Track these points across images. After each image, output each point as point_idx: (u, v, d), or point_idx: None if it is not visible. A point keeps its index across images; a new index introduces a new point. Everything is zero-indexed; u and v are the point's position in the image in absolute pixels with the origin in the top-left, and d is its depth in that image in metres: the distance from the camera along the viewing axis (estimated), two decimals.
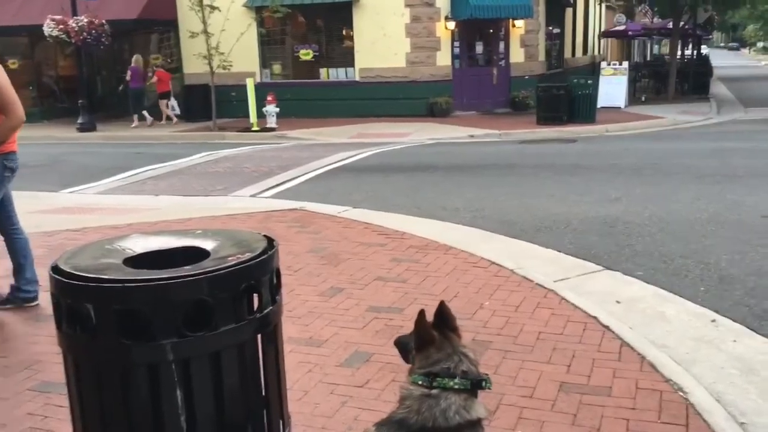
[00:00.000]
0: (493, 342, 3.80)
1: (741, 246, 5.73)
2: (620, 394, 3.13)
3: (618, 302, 4.52)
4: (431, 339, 2.21)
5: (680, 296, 4.61)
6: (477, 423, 2.19)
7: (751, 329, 4.04)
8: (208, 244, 2.29)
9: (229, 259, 2.12)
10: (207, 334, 2.02)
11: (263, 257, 2.16)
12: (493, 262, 5.29)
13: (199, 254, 2.22)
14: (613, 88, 19.64)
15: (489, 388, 2.25)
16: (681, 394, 3.12)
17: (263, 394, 2.29)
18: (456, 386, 2.16)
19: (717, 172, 9.33)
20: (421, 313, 2.19)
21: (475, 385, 2.20)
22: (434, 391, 2.16)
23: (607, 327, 3.93)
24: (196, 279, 2.00)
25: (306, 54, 19.80)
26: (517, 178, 9.69)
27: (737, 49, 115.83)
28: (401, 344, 2.34)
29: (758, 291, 4.66)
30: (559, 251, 5.74)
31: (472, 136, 15.42)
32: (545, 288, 4.65)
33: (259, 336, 2.23)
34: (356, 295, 4.62)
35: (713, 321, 4.18)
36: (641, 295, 4.69)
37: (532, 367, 3.45)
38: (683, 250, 5.71)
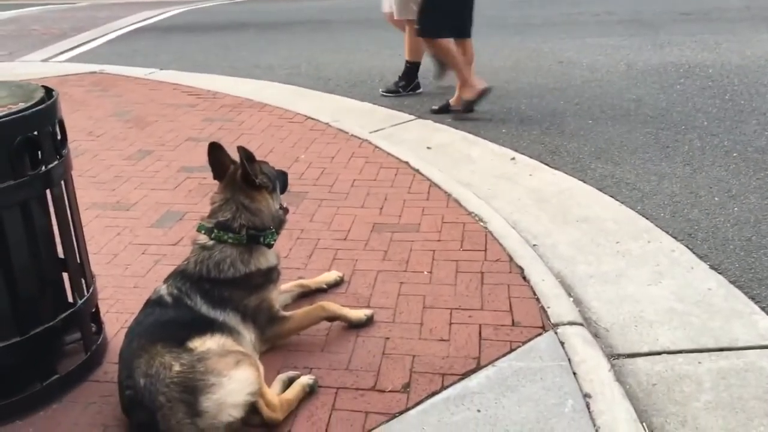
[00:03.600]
0: (309, 192, 3.84)
1: (539, 90, 6.11)
2: (428, 229, 3.32)
3: (429, 148, 4.71)
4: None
5: (485, 139, 4.88)
6: (262, 272, 2.25)
7: (544, 164, 4.38)
8: None
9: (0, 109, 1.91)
10: None
11: (40, 107, 1.96)
12: (309, 117, 5.26)
13: None
14: None
15: (269, 244, 2.29)
16: (481, 224, 3.36)
17: (59, 255, 2.17)
18: (230, 240, 2.21)
19: (518, 22, 9.74)
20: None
21: (252, 239, 2.24)
22: (210, 243, 2.21)
23: (417, 170, 4.09)
24: None
25: None
26: (332, 35, 9.53)
27: None
28: None
29: (552, 129, 5.05)
30: (374, 104, 5.80)
31: None
32: (360, 138, 4.72)
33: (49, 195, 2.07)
34: (166, 156, 4.43)
35: (513, 159, 4.49)
36: (450, 140, 4.90)
37: (347, 212, 3.55)
38: (489, 97, 5.97)
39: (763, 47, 7.18)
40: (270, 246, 2.32)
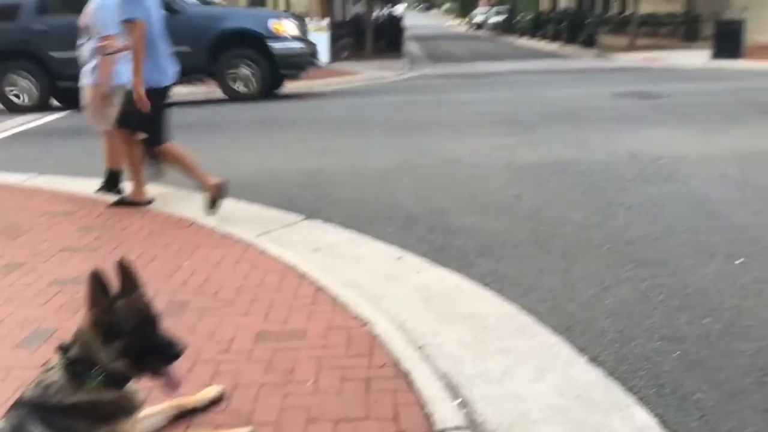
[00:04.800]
0: (192, 301, 3.72)
1: (425, 189, 6.31)
2: (314, 335, 3.27)
3: (317, 249, 4.71)
4: None
5: (371, 237, 4.94)
6: (82, 406, 2.07)
7: (431, 261, 4.46)
8: None
9: None
10: None
11: None
12: (194, 222, 5.17)
13: None
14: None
15: (91, 382, 2.07)
16: (368, 327, 3.34)
17: None
18: (61, 365, 2.11)
19: (407, 122, 10.15)
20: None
21: (76, 374, 2.08)
22: (51, 365, 2.12)
23: (304, 274, 4.06)
24: None
25: None
26: (224, 135, 9.57)
27: (427, 9, 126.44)
28: None
29: (438, 226, 5.18)
30: (263, 205, 5.79)
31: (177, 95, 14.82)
32: (247, 242, 4.67)
33: None
34: (39, 269, 4.19)
35: (400, 258, 4.55)
36: (337, 241, 4.93)
37: (231, 321, 3.45)
38: (376, 195, 6.12)
39: (625, 144, 7.76)
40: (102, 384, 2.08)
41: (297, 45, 13.09)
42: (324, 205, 5.83)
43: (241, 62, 12.91)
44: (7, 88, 12.93)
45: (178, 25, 11.90)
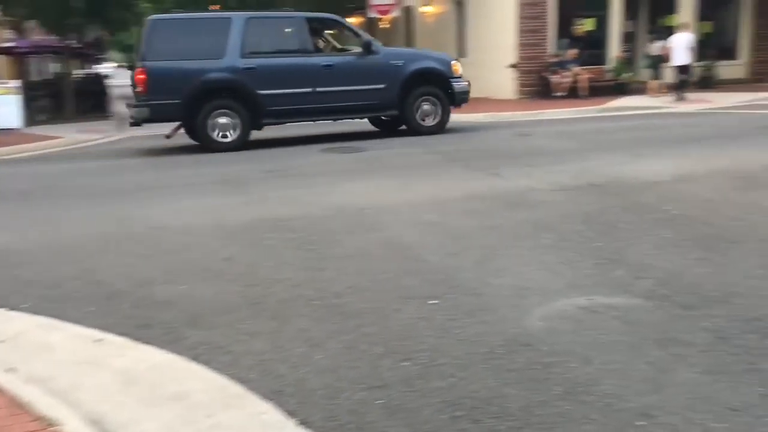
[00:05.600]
0: None
1: (130, 259, 5.90)
2: None
3: None
4: None
5: (68, 321, 4.46)
6: None
7: (135, 340, 4.14)
8: None
9: None
10: None
11: None
12: None
13: None
14: (4, 108, 18.40)
15: None
16: (56, 428, 2.96)
17: None
18: None
19: (113, 189, 9.53)
20: None
21: None
22: None
23: None
24: None
25: None
26: None
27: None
28: None
29: (143, 301, 4.85)
30: None
31: None
32: None
33: None
34: None
35: (99, 340, 4.15)
36: (26, 328, 4.36)
37: None
38: (74, 272, 5.58)
39: (333, 198, 8.08)
40: None
41: (466, 83, 14.63)
42: (10, 289, 5.17)
43: (424, 100, 14.10)
44: (213, 132, 12.99)
45: (376, 65, 13.83)
